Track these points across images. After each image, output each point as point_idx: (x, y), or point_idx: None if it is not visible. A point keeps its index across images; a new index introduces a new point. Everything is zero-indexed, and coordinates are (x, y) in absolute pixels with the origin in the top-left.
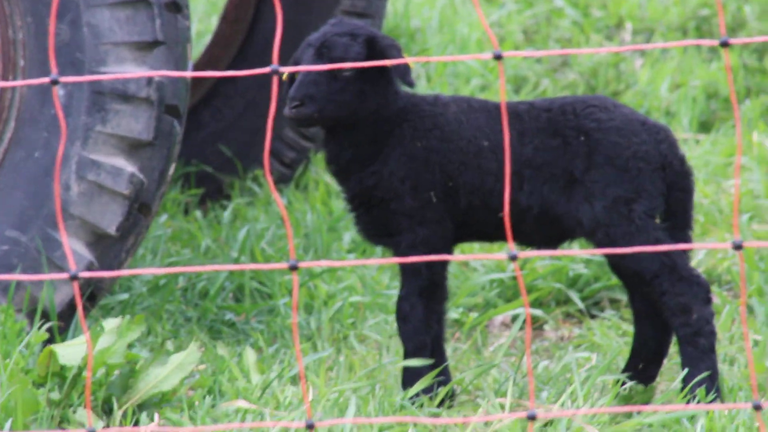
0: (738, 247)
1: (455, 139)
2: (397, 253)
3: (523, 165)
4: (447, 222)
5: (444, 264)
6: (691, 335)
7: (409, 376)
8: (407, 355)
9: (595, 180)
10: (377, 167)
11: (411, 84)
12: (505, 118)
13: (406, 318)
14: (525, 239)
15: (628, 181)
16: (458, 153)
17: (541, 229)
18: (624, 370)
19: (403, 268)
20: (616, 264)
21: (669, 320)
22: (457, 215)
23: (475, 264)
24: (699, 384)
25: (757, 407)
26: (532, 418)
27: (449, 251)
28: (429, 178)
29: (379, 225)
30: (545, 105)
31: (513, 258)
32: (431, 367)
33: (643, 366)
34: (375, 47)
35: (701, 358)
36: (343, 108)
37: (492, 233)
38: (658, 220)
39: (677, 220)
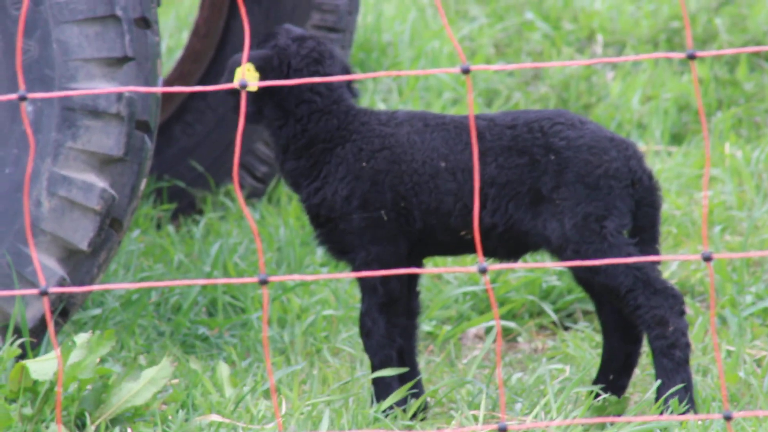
0: (708, 258)
1: (407, 161)
2: (353, 269)
3: (486, 184)
4: (400, 239)
5: (400, 279)
6: (667, 347)
7: (381, 389)
8: (374, 369)
9: (564, 197)
10: (319, 185)
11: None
12: (474, 134)
13: (369, 333)
14: (488, 253)
15: (599, 198)
16: (411, 175)
17: (505, 245)
18: (595, 382)
19: (361, 284)
20: (586, 279)
21: (644, 333)
22: (413, 234)
23: (448, 277)
24: (673, 395)
25: (728, 418)
26: (504, 430)
27: (405, 266)
28: (378, 198)
29: (333, 242)
30: (508, 121)
31: (483, 271)
32: (403, 380)
33: (613, 377)
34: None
35: (676, 369)
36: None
37: (454, 250)
38: (626, 236)
39: (645, 234)
